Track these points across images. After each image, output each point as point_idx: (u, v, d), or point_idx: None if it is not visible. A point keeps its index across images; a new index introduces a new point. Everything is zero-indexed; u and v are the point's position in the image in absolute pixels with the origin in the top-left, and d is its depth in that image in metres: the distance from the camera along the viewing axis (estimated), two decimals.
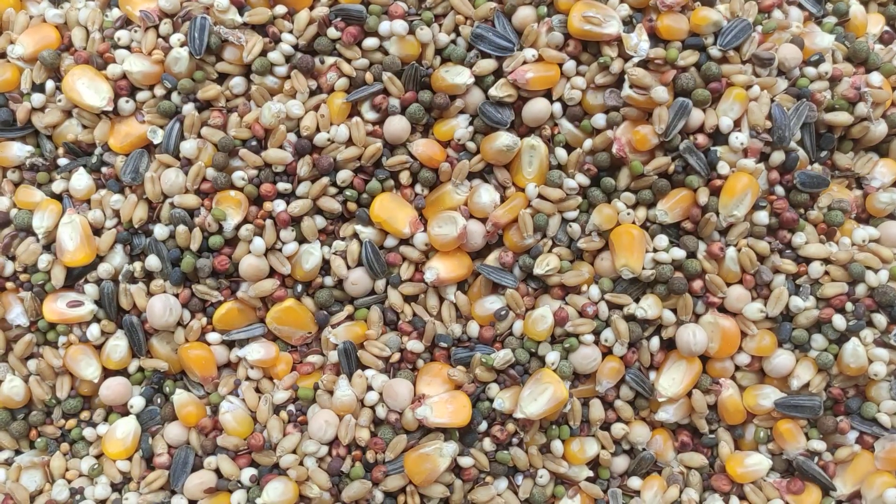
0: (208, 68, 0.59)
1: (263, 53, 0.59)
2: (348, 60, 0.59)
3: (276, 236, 0.59)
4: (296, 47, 0.59)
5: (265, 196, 0.58)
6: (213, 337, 0.60)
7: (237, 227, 0.58)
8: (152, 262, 0.59)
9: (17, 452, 0.61)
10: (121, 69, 0.59)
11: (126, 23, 0.60)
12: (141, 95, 0.60)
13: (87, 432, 0.61)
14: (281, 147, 0.58)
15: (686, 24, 0.58)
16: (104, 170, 0.60)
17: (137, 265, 0.59)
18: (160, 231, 0.59)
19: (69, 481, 0.60)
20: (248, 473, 0.58)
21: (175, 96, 0.60)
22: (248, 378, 0.61)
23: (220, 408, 0.59)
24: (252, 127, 0.58)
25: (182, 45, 0.58)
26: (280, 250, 0.59)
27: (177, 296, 0.59)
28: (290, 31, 0.59)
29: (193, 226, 0.58)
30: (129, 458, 0.60)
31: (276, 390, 0.60)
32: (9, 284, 0.59)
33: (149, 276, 0.60)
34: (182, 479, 0.59)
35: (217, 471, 0.59)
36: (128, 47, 0.60)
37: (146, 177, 0.58)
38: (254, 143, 0.59)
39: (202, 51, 0.58)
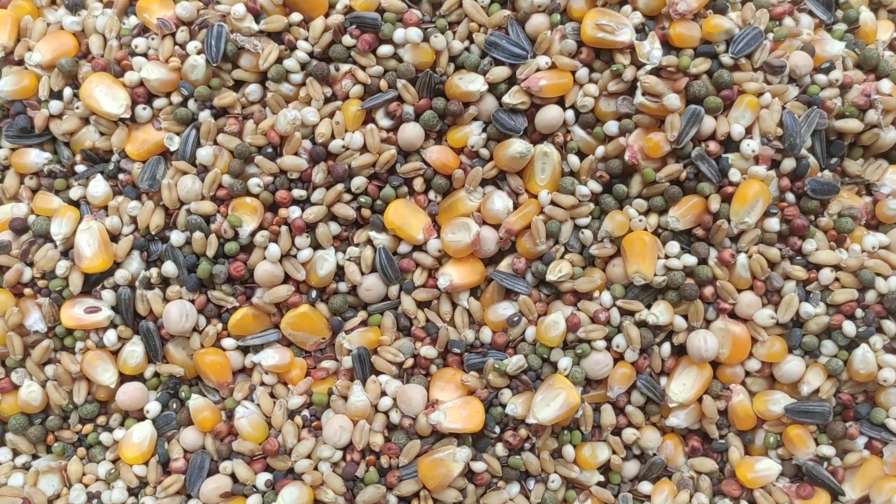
0: (224, 75, 0.60)
1: (279, 61, 0.59)
2: (363, 68, 0.60)
3: (291, 243, 0.59)
4: (311, 55, 0.60)
5: (280, 203, 0.59)
6: (228, 342, 0.61)
7: (253, 234, 0.58)
8: (169, 268, 0.59)
9: (35, 457, 0.61)
10: (138, 76, 0.59)
11: (143, 30, 0.60)
12: (158, 102, 0.60)
13: (104, 437, 0.61)
14: (296, 154, 0.59)
15: (698, 32, 0.59)
16: (121, 176, 0.60)
17: (154, 271, 0.60)
18: (177, 237, 0.59)
19: (86, 485, 0.60)
20: (263, 478, 0.59)
21: (192, 103, 0.60)
22: (262, 383, 0.61)
23: (236, 413, 0.60)
24: (268, 134, 0.59)
25: (199, 53, 0.59)
26: (295, 256, 0.60)
27: (193, 301, 0.60)
28: (306, 39, 0.60)
29: (209, 232, 0.59)
30: (146, 463, 0.60)
31: (290, 395, 0.61)
32: (27, 290, 0.60)
33: (165, 281, 0.60)
34: (198, 484, 0.59)
35: (233, 475, 0.60)
36: (145, 55, 0.60)
37: (163, 184, 0.59)
38: (269, 149, 0.59)
39: (219, 58, 0.58)
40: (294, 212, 0.59)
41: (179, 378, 0.61)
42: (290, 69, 0.59)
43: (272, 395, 0.61)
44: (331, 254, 0.60)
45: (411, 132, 0.59)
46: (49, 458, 0.61)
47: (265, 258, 0.59)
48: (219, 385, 0.61)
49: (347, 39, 0.59)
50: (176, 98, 0.60)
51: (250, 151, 0.59)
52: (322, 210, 0.59)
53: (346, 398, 0.60)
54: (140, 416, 0.61)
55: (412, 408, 0.59)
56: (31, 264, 0.60)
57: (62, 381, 0.60)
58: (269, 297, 0.59)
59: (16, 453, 0.61)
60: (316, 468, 0.59)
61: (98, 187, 0.60)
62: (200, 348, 0.60)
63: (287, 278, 0.60)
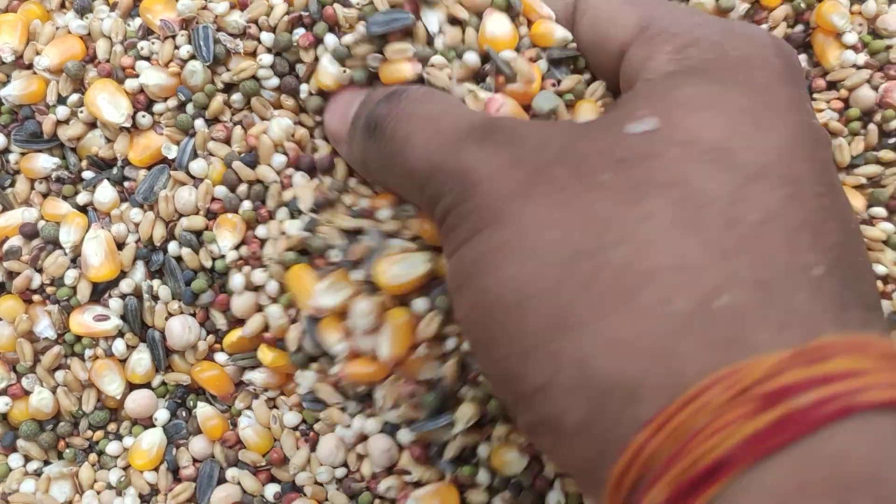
0: (217, 80, 0.57)
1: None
2: None
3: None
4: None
5: (262, 221, 0.57)
6: (220, 358, 0.59)
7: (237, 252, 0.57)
8: (168, 282, 0.58)
9: (46, 463, 0.62)
10: (138, 82, 0.57)
11: (147, 32, 0.58)
12: (157, 107, 0.58)
13: (114, 444, 0.61)
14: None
15: None
16: (126, 184, 0.59)
17: (156, 282, 0.59)
18: (174, 249, 0.58)
19: (98, 492, 0.60)
20: (272, 490, 0.58)
21: (190, 108, 0.58)
22: (263, 392, 0.60)
23: (239, 423, 0.59)
24: (247, 140, 0.56)
25: (192, 57, 0.56)
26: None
27: (194, 315, 0.59)
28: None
29: (199, 248, 0.57)
30: (156, 469, 0.60)
31: (284, 411, 0.59)
32: (35, 297, 0.60)
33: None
34: (209, 494, 0.59)
35: (241, 484, 0.59)
36: (148, 58, 0.58)
37: (160, 195, 0.57)
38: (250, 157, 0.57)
39: (210, 58, 0.56)
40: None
41: (186, 386, 0.60)
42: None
43: (275, 406, 0.60)
44: None
45: None
46: (61, 464, 0.61)
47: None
48: (222, 398, 0.60)
49: None
50: (173, 103, 0.58)
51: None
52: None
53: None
54: (149, 424, 0.61)
55: None
56: (40, 270, 0.59)
57: (72, 388, 0.60)
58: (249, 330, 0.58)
59: (27, 459, 0.62)
60: (316, 482, 0.58)
61: (105, 194, 0.58)
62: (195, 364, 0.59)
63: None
